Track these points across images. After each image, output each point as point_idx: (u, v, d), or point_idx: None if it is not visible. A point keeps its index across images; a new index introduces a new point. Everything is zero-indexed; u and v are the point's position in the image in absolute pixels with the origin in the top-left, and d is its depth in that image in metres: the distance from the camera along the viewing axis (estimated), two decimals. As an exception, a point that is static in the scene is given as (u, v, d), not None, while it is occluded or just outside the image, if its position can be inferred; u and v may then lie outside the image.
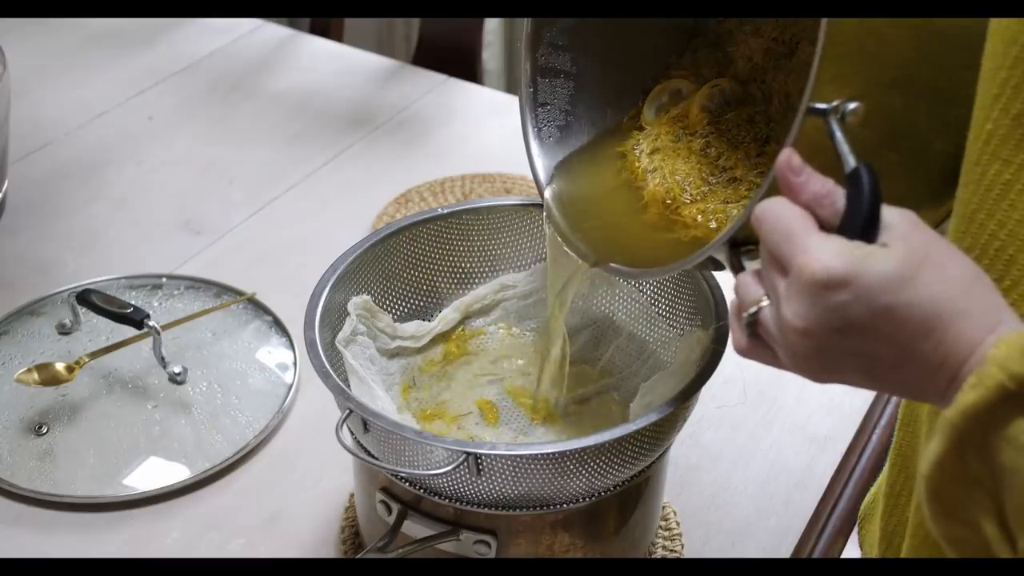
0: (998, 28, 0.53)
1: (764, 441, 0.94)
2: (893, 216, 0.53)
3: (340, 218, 1.18)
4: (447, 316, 0.86)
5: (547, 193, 0.79)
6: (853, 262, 0.50)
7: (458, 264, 0.86)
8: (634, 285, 0.85)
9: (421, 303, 0.86)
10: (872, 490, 0.77)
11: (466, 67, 1.48)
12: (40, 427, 0.91)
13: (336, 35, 1.61)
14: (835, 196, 0.54)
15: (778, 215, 0.54)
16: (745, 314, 0.56)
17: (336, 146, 1.29)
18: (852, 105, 0.57)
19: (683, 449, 0.92)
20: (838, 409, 0.96)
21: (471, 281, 0.87)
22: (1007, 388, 0.46)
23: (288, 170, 1.25)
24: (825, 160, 0.56)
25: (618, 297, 0.86)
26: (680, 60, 0.82)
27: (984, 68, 0.54)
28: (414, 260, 0.85)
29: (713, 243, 0.65)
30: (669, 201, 0.75)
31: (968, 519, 0.49)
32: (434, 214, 0.84)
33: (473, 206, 0.85)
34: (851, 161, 0.55)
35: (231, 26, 1.52)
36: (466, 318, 0.87)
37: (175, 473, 0.88)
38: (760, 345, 0.56)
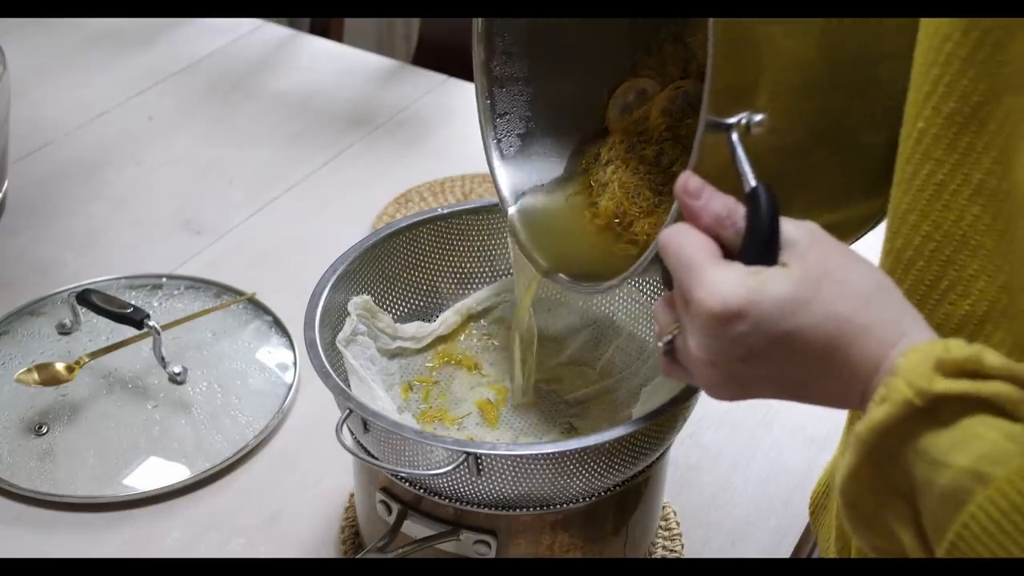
0: (930, 21, 0.52)
1: (764, 441, 0.94)
2: (794, 232, 0.52)
3: (340, 218, 1.18)
4: (448, 318, 0.86)
5: (513, 209, 0.77)
6: (748, 292, 0.50)
7: (458, 264, 0.86)
8: (634, 285, 0.85)
9: (421, 303, 0.86)
10: (820, 479, 0.76)
11: (466, 67, 1.47)
12: (40, 427, 0.91)
13: (336, 35, 1.61)
14: (736, 216, 0.54)
15: (678, 244, 0.54)
16: (660, 342, 0.56)
17: (336, 146, 1.29)
18: (758, 117, 0.56)
19: (683, 449, 0.92)
20: (838, 409, 0.96)
21: (471, 281, 0.87)
22: (914, 403, 0.46)
23: (288, 170, 1.25)
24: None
25: (618, 297, 0.86)
26: (647, 58, 0.80)
27: (916, 63, 0.53)
28: (414, 260, 0.85)
29: (632, 269, 0.65)
30: (618, 218, 0.74)
31: (886, 529, 0.49)
32: (434, 214, 0.84)
33: (473, 206, 0.85)
34: (750, 181, 0.54)
35: (231, 26, 1.52)
36: (467, 320, 0.87)
37: (175, 473, 0.88)
38: (680, 368, 0.56)
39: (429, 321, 0.86)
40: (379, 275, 0.83)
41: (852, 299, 0.50)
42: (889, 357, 0.48)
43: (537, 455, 0.67)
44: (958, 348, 0.46)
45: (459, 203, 0.90)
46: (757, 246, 0.52)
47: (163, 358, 0.94)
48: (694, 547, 0.85)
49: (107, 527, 0.86)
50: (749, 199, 0.54)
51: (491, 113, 0.79)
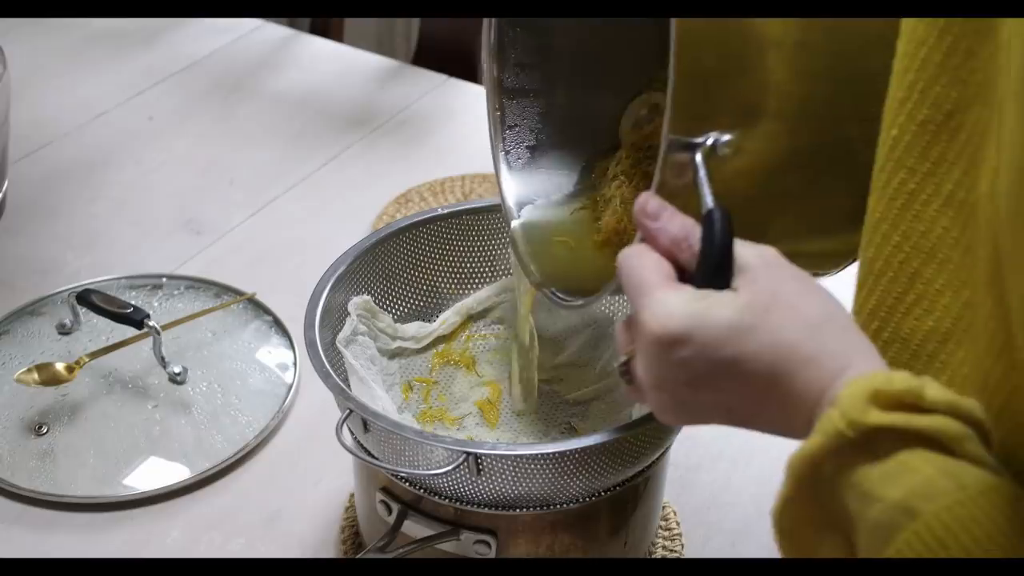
0: (908, 27, 0.51)
1: (764, 441, 0.93)
2: (749, 256, 0.52)
3: (340, 218, 1.18)
4: (448, 319, 0.86)
5: (516, 221, 0.76)
6: (692, 317, 0.50)
7: (458, 264, 0.86)
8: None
9: (421, 303, 0.86)
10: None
11: (466, 67, 1.48)
12: (40, 427, 0.91)
13: (336, 35, 1.61)
14: (693, 239, 0.54)
15: (632, 266, 0.54)
16: (616, 364, 0.56)
17: (336, 146, 1.29)
18: (725, 137, 0.55)
19: (683, 449, 0.92)
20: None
21: (471, 281, 0.87)
22: (845, 435, 0.45)
23: (288, 170, 1.25)
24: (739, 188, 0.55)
25: (619, 297, 0.86)
26: (663, 72, 0.79)
27: (895, 69, 0.52)
28: (414, 260, 0.85)
29: (604, 290, 0.65)
30: (619, 235, 0.73)
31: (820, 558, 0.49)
32: (434, 214, 0.84)
33: (473, 206, 0.85)
34: (707, 202, 0.54)
35: (231, 26, 1.52)
36: (467, 320, 0.87)
37: (175, 473, 0.88)
38: (637, 391, 0.56)
39: (429, 321, 0.86)
40: (379, 275, 0.83)
41: (799, 328, 0.49)
42: (832, 387, 0.48)
43: (537, 455, 0.67)
44: (900, 380, 0.45)
45: (459, 203, 0.90)
46: (708, 269, 0.52)
47: (163, 358, 0.94)
48: (694, 547, 0.85)
49: (107, 527, 0.85)
50: (704, 222, 0.53)
51: (501, 125, 0.78)
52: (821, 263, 0.67)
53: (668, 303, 0.51)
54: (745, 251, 0.52)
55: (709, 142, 0.56)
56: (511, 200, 0.78)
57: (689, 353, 0.50)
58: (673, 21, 0.55)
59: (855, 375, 0.47)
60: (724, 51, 0.56)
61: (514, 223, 0.77)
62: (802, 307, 0.50)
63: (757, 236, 0.54)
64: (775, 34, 0.57)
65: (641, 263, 0.53)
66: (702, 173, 0.55)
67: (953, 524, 0.42)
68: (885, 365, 0.49)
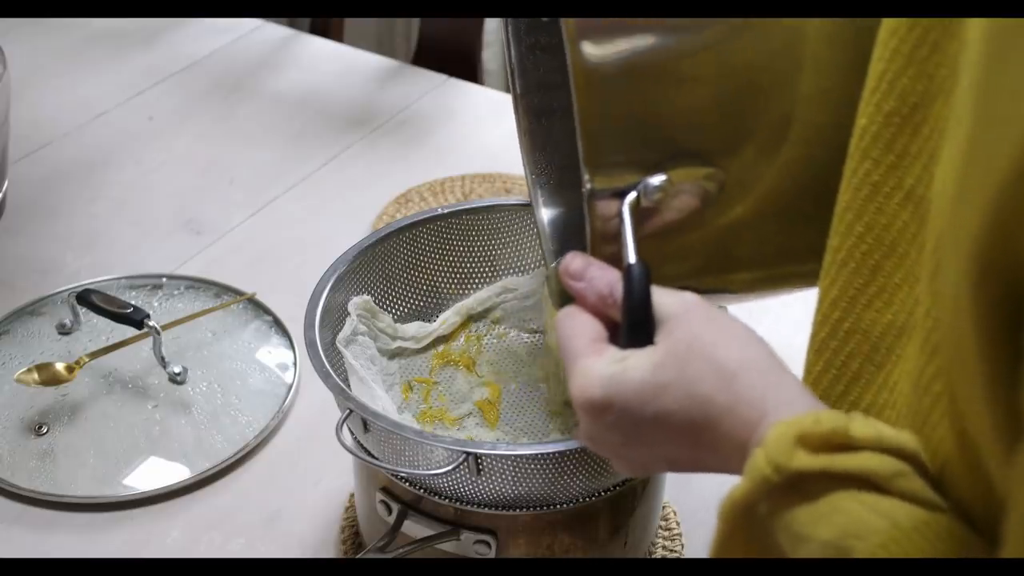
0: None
1: (764, 441, 0.94)
2: (669, 306, 0.52)
3: (340, 218, 1.18)
4: (448, 319, 0.86)
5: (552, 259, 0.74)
6: (608, 383, 0.51)
7: (458, 264, 0.86)
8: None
9: (421, 303, 0.86)
10: None
11: (466, 67, 1.48)
12: (40, 427, 0.91)
13: (336, 35, 1.61)
14: (618, 294, 0.54)
15: (562, 332, 0.55)
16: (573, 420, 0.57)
17: (336, 146, 1.29)
18: (656, 181, 0.54)
19: (683, 449, 0.92)
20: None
21: (472, 282, 0.87)
22: (771, 480, 0.45)
23: (288, 170, 1.25)
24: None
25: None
26: None
27: (872, 57, 0.51)
28: (414, 260, 0.85)
29: None
30: None
31: None
32: (434, 214, 0.84)
33: (473, 206, 0.85)
34: (628, 256, 0.53)
35: (231, 26, 1.52)
36: (467, 320, 0.87)
37: (175, 473, 0.88)
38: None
39: (429, 321, 0.86)
40: (379, 275, 0.83)
41: (713, 378, 0.49)
42: (754, 436, 0.47)
43: (537, 455, 0.67)
44: (828, 420, 0.45)
45: (459, 203, 0.90)
46: (628, 328, 0.53)
47: (163, 358, 0.94)
48: (694, 547, 0.85)
49: (107, 527, 0.86)
50: (624, 278, 0.53)
51: (531, 148, 0.76)
52: (798, 283, 0.66)
53: (589, 372, 0.52)
54: (666, 300, 0.53)
55: (632, 194, 0.55)
56: (545, 216, 0.76)
57: (613, 417, 0.51)
58: (571, 69, 0.53)
59: (773, 423, 0.46)
60: (634, 96, 0.55)
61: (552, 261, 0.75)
62: (718, 356, 0.50)
63: (723, 269, 0.53)
64: (687, 70, 0.56)
65: (571, 327, 0.54)
66: (627, 223, 0.54)
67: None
68: (813, 402, 0.49)
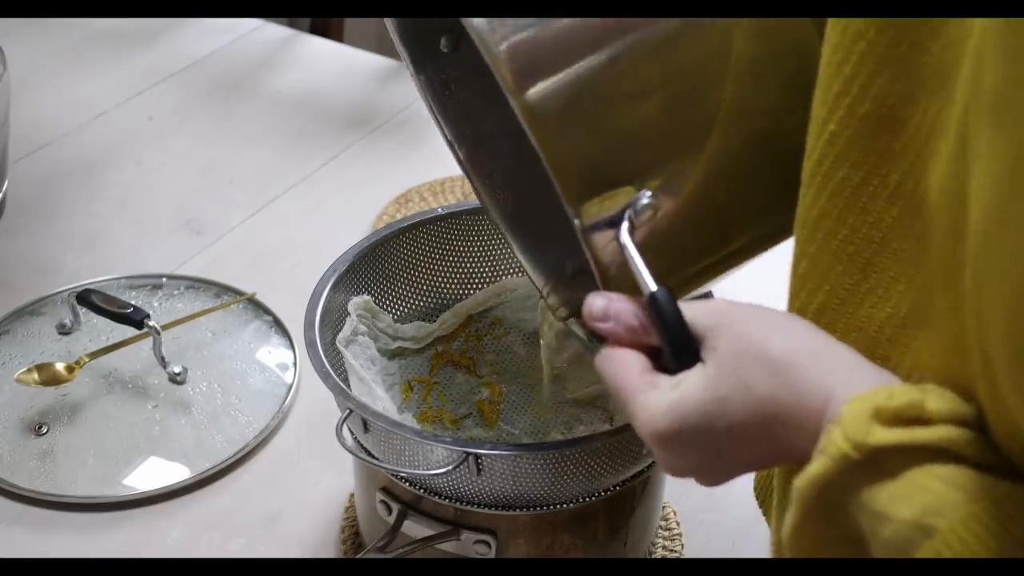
0: (841, 21, 0.50)
1: (764, 441, 0.94)
2: (704, 320, 0.52)
3: (340, 218, 1.18)
4: (448, 319, 0.86)
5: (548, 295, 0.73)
6: (671, 412, 0.51)
7: (458, 265, 0.86)
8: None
9: (421, 304, 0.86)
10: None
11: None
12: (40, 427, 0.91)
13: (336, 35, 1.61)
14: (647, 321, 0.54)
15: (608, 374, 0.55)
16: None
17: (336, 146, 1.29)
18: (644, 201, 0.54)
19: (683, 449, 0.92)
20: None
21: (472, 281, 0.87)
22: (850, 456, 0.45)
23: (288, 170, 1.25)
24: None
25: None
26: None
27: (824, 61, 0.51)
28: (414, 260, 0.85)
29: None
30: None
31: None
32: (434, 214, 0.84)
33: (473, 206, 0.85)
34: (647, 286, 0.53)
35: (231, 26, 1.52)
36: (467, 321, 0.87)
37: (175, 473, 0.88)
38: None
39: (429, 321, 0.86)
40: (379, 275, 0.83)
41: (768, 377, 0.49)
42: (828, 412, 0.47)
43: (537, 455, 0.67)
44: (901, 394, 0.45)
45: (459, 203, 0.90)
46: (672, 354, 0.53)
47: (163, 358, 0.94)
48: (694, 547, 0.85)
49: (107, 527, 0.86)
50: (649, 308, 0.53)
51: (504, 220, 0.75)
52: (781, 237, 0.66)
53: (649, 406, 0.52)
54: (699, 315, 0.53)
55: (625, 223, 0.54)
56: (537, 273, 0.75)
57: (686, 444, 0.51)
58: (522, 119, 0.53)
59: (844, 402, 0.46)
60: (590, 124, 0.54)
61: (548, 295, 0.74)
62: (765, 354, 0.50)
63: (719, 257, 0.54)
64: (631, 86, 0.55)
65: (615, 368, 0.54)
66: (632, 252, 0.54)
67: (969, 537, 0.42)
68: (871, 368, 0.49)
